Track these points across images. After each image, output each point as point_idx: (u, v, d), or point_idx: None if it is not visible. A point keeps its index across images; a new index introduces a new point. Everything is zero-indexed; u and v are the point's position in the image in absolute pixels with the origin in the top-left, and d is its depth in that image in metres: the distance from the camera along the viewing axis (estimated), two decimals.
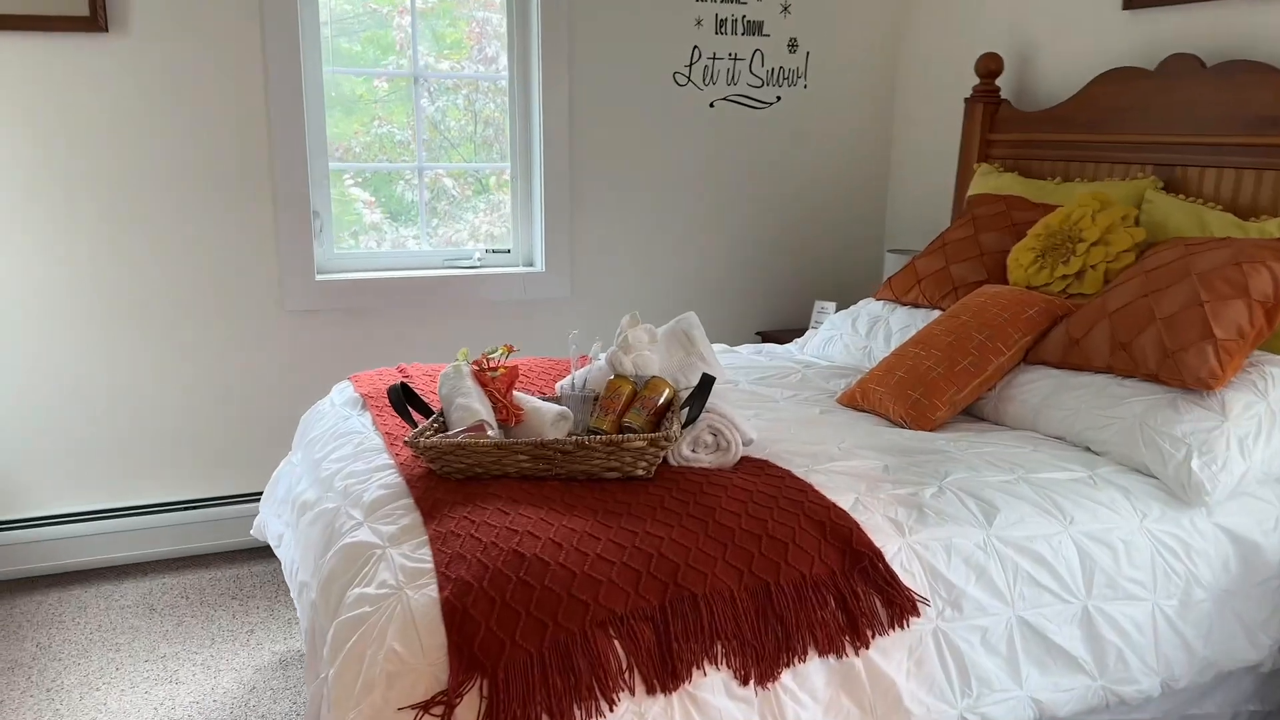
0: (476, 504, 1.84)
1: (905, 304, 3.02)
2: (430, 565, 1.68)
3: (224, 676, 2.76)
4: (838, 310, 4.03)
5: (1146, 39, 2.97)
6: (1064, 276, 2.58)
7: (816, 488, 1.94)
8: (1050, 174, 3.18)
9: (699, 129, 3.80)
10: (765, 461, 2.08)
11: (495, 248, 3.78)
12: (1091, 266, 2.53)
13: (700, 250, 3.92)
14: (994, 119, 3.40)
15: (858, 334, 3.02)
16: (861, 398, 2.53)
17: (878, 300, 3.13)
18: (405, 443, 1.94)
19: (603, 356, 2.30)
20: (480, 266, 3.71)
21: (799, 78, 3.90)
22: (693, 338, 2.31)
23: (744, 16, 3.76)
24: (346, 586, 1.76)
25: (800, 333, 3.94)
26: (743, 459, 2.11)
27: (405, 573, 1.68)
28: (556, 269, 3.73)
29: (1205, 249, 2.27)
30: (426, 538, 1.77)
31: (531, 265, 3.79)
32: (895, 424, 2.43)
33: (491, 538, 1.71)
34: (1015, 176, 3.19)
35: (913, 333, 2.85)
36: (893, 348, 2.87)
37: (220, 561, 3.43)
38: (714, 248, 3.94)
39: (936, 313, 2.89)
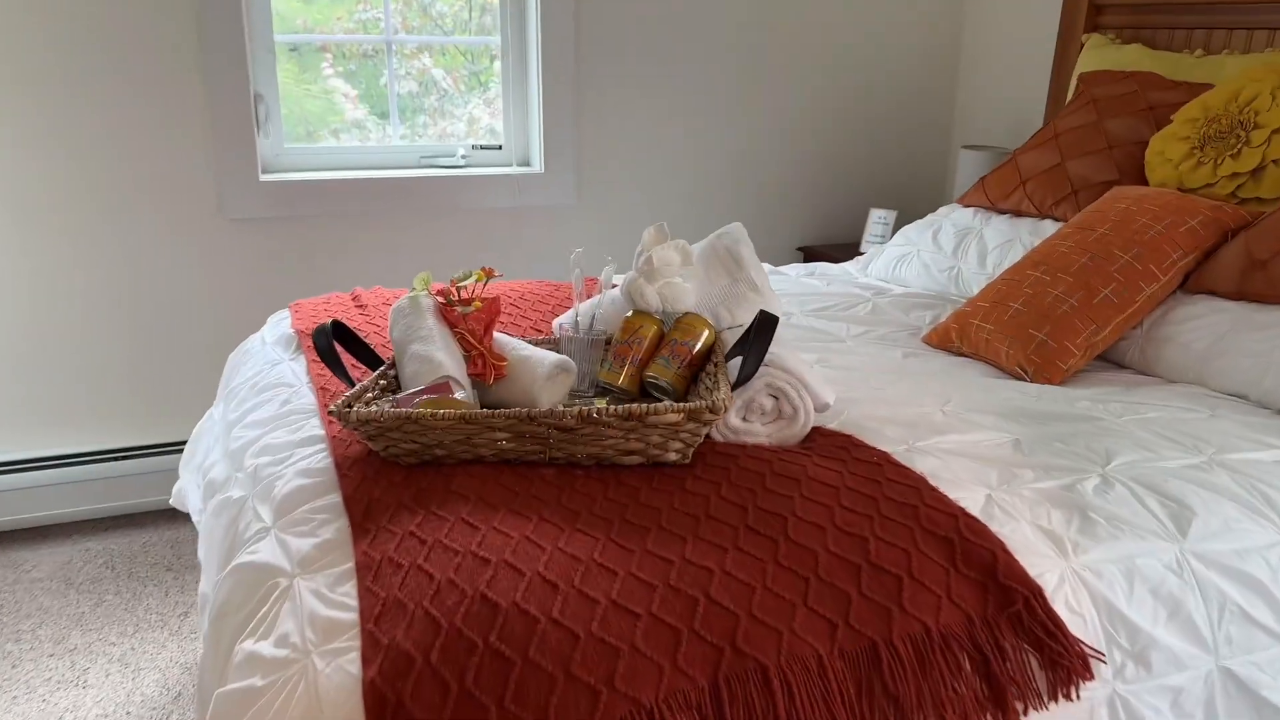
0: (432, 510, 1.24)
1: (1003, 211, 2.37)
2: (354, 615, 1.09)
3: (144, 678, 2.22)
4: (899, 221, 3.38)
5: None
6: (1234, 175, 1.92)
7: (929, 479, 1.33)
8: (1186, 46, 2.49)
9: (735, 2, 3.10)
10: (844, 435, 1.47)
11: (483, 143, 3.11)
12: (1275, 161, 1.87)
13: (732, 146, 3.25)
14: None
15: (940, 251, 2.38)
16: (959, 337, 1.91)
17: (965, 207, 2.48)
18: (331, 412, 1.33)
19: (618, 283, 1.68)
20: (465, 166, 3.05)
21: None
22: (740, 258, 1.68)
23: None
24: (237, 634, 1.18)
25: (851, 249, 3.29)
26: (813, 430, 1.50)
27: (316, 626, 1.09)
28: (558, 169, 3.07)
29: None
30: (353, 564, 1.17)
31: (528, 165, 3.13)
32: (1010, 374, 1.81)
33: (449, 571, 1.11)
34: (1141, 49, 2.49)
35: (1018, 250, 2.21)
36: (990, 269, 2.23)
37: (156, 521, 2.87)
38: (749, 143, 3.27)
39: (1048, 224, 2.24)
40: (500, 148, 3.12)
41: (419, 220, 2.98)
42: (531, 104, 3.06)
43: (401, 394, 1.44)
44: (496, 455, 1.36)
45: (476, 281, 1.60)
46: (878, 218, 3.27)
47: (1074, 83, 2.65)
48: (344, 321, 1.62)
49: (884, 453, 1.40)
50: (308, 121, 2.94)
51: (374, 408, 1.40)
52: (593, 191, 3.14)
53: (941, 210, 2.53)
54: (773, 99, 3.25)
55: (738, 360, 1.46)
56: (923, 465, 1.39)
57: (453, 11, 3.01)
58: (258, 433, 1.61)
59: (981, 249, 2.29)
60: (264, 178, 2.80)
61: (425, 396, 1.41)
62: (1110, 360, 1.89)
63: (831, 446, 1.43)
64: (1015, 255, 2.20)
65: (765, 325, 1.44)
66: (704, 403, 1.31)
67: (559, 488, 1.29)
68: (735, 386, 1.42)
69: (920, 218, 3.54)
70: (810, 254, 3.35)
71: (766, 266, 2.58)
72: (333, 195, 2.85)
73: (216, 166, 2.72)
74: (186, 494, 2.11)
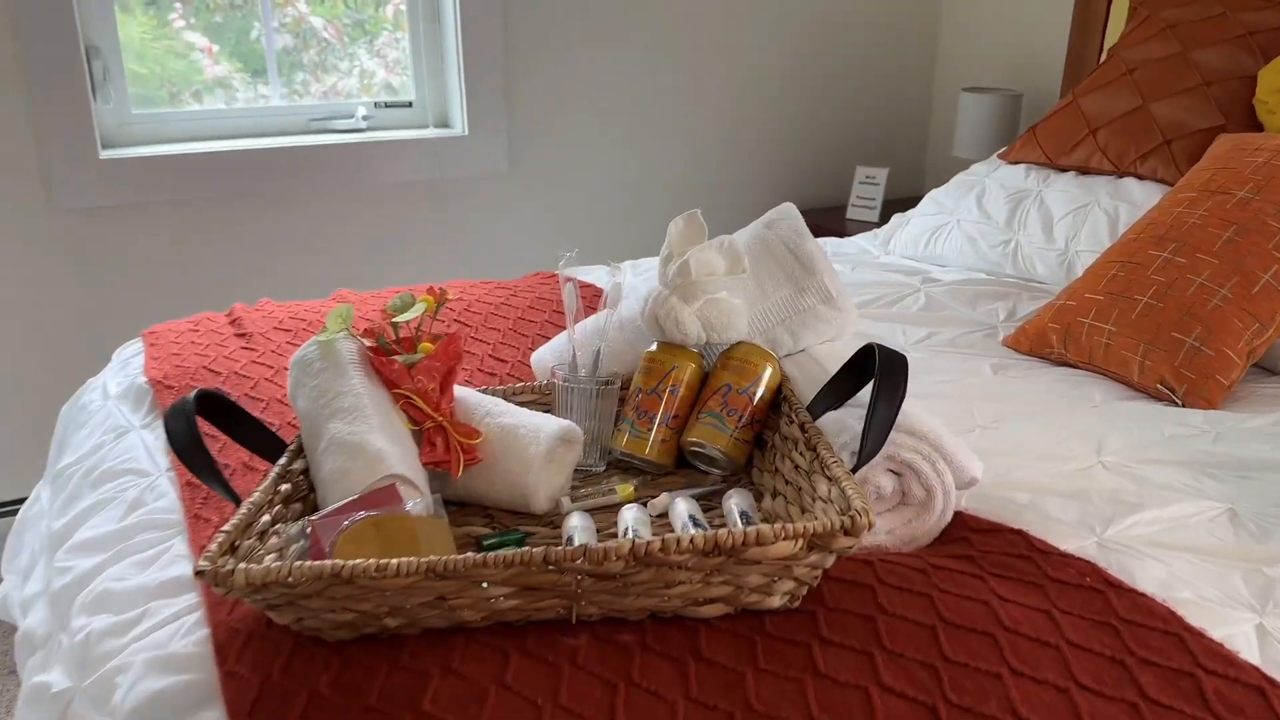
0: None
1: (1065, 168, 1.90)
2: None
3: None
4: (891, 180, 2.90)
5: None
6: None
7: (1177, 610, 0.85)
8: None
9: None
10: (999, 526, 0.98)
11: (389, 100, 2.50)
12: None
13: (696, 99, 2.71)
14: None
15: (989, 219, 1.90)
16: (1063, 340, 1.44)
17: (1011, 163, 2.00)
18: (199, 573, 0.77)
19: (634, 298, 1.16)
20: (366, 130, 2.44)
21: None
22: (807, 257, 1.16)
23: None
24: None
25: (837, 214, 2.81)
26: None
27: None
28: (485, 129, 2.48)
29: None
30: None
31: (446, 126, 2.53)
32: (1146, 392, 1.35)
33: None
34: None
35: (1099, 218, 1.74)
36: (1061, 243, 1.77)
37: None
38: (714, 96, 2.73)
39: (1131, 182, 1.78)
40: (410, 105, 2.51)
41: (312, 200, 2.36)
42: (448, 50, 2.45)
43: (319, 515, 0.88)
44: (489, 618, 0.82)
45: (424, 313, 1.04)
46: (866, 176, 2.78)
47: (1115, 12, 2.20)
48: (216, 389, 1.05)
49: (1087, 563, 0.91)
50: (170, 83, 2.28)
51: (270, 557, 0.84)
52: (530, 156, 2.57)
53: (977, 168, 2.05)
54: (738, 45, 2.71)
55: (860, 435, 0.94)
56: (1145, 577, 0.91)
57: None
58: (93, 562, 1.03)
59: (1045, 217, 1.82)
60: (105, 154, 2.15)
61: (359, 518, 0.86)
62: (1261, 366, 1.45)
63: (999, 554, 0.93)
64: (1096, 225, 1.74)
65: (891, 368, 0.92)
66: (832, 520, 0.79)
67: (604, 681, 0.76)
68: (855, 467, 0.91)
69: (910, 174, 3.07)
70: None
71: None
72: (197, 173, 2.21)
73: (40, 140, 2.06)
74: (8, 595, 1.50)
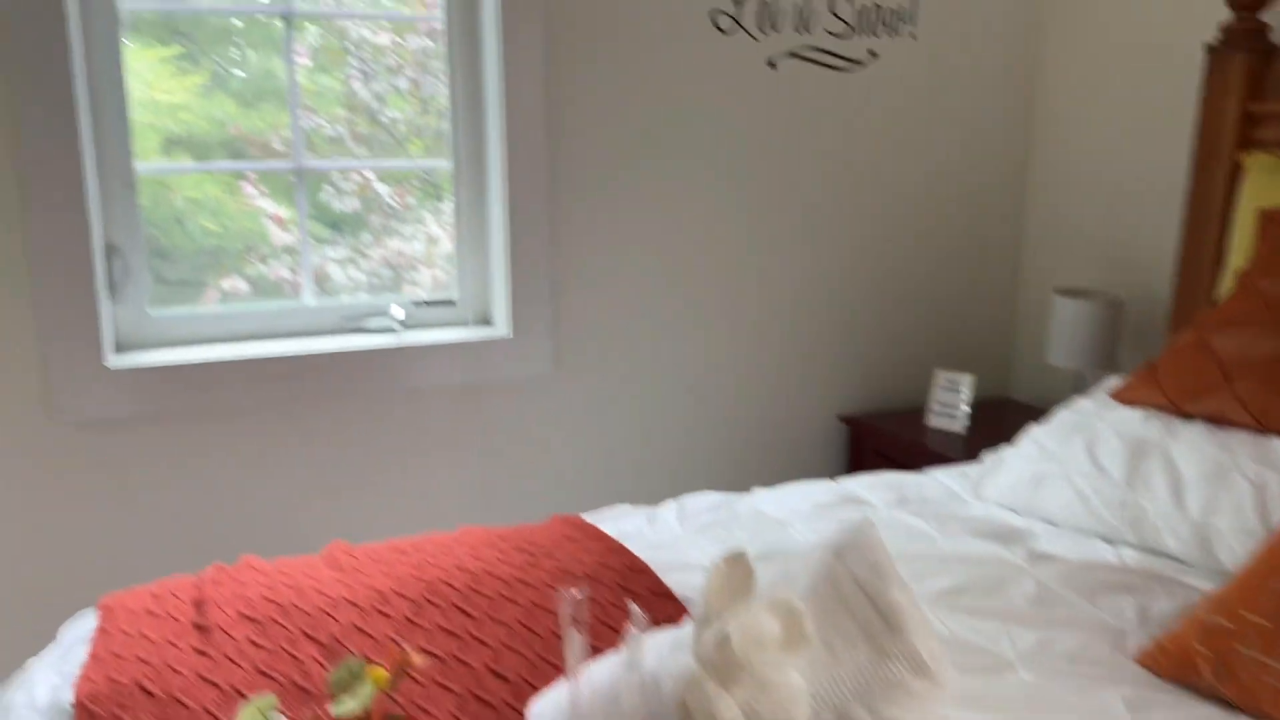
0: None
1: (1193, 416, 1.61)
2: None
3: None
4: (975, 384, 2.62)
5: None
6: None
7: None
8: None
9: (752, 100, 2.38)
10: None
11: (429, 298, 2.33)
12: None
13: (754, 290, 2.50)
14: (1264, 79, 2.01)
15: (1104, 474, 1.60)
16: (1216, 670, 1.12)
17: (1128, 405, 1.71)
18: None
19: (664, 644, 0.89)
20: (407, 327, 2.27)
21: (903, 22, 2.49)
22: (890, 608, 0.88)
23: None
24: None
25: (909, 418, 2.53)
26: None
27: None
28: (530, 331, 2.29)
29: None
30: None
31: (488, 324, 2.35)
32: None
33: None
34: None
35: (1240, 485, 1.43)
36: (1194, 512, 1.46)
37: None
38: (774, 286, 2.52)
39: (1277, 446, 1.47)
40: (453, 303, 2.34)
41: (339, 408, 2.17)
42: (493, 247, 2.29)
43: None
44: None
45: (372, 696, 0.78)
46: (947, 381, 2.51)
47: (1240, 219, 1.93)
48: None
49: None
50: (244, 242, 2.16)
51: None
52: (576, 358, 2.36)
53: (1085, 406, 1.77)
54: (804, 228, 2.51)
55: None
56: None
57: (406, 116, 2.27)
58: None
59: (1173, 478, 1.51)
60: (113, 360, 1.99)
61: None
62: None
63: None
64: (1239, 496, 1.43)
65: None
66: None
67: None
68: None
69: (994, 378, 2.79)
70: (857, 426, 2.57)
71: (825, 486, 1.80)
72: (211, 383, 2.04)
73: (43, 349, 1.91)
74: None
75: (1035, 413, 2.60)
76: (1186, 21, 2.24)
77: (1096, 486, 1.58)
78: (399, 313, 2.25)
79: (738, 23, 2.32)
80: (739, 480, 2.56)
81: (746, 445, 2.57)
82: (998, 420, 2.55)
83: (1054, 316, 2.38)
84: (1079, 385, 2.43)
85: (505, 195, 2.20)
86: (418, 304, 2.31)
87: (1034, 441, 1.74)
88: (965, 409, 2.46)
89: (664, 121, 2.31)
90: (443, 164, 2.28)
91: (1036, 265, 2.72)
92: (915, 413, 2.59)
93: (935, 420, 2.50)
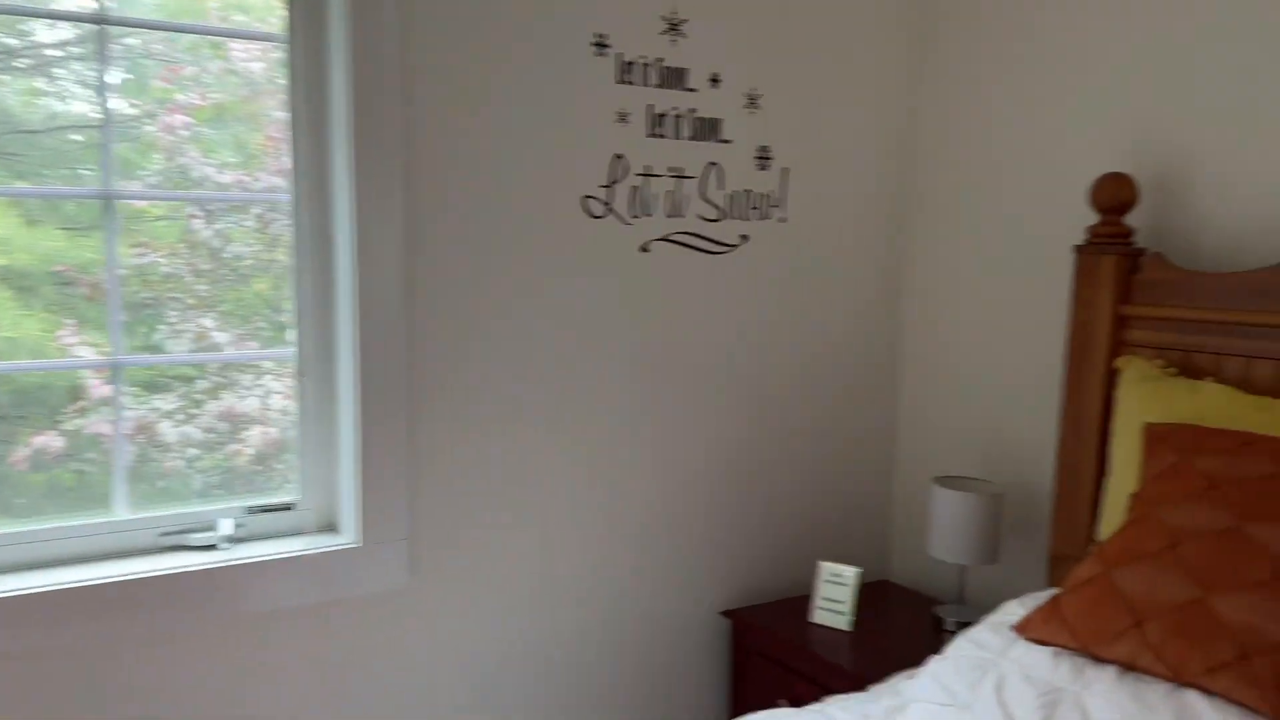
0: None
1: (1108, 660, 1.51)
2: None
3: None
4: (860, 575, 2.52)
5: None
6: None
7: None
8: (1278, 385, 1.80)
9: (624, 285, 2.27)
10: None
11: (262, 504, 2.06)
12: None
13: (629, 483, 2.33)
14: (1131, 282, 2.03)
15: None
16: None
17: (1034, 641, 1.60)
18: None
19: None
20: (235, 542, 1.98)
21: (774, 206, 2.45)
22: None
23: (692, 111, 2.29)
24: None
25: (799, 608, 2.39)
26: None
27: None
28: (382, 537, 2.04)
29: None
30: None
31: (333, 532, 2.09)
32: None
33: None
34: (1226, 390, 1.79)
35: None
36: None
37: None
38: (650, 478, 2.36)
39: (1194, 697, 1.39)
40: (291, 508, 2.08)
41: (163, 647, 1.86)
42: (342, 440, 2.06)
43: None
44: None
45: None
46: (832, 575, 2.39)
47: (1119, 424, 1.91)
48: None
49: None
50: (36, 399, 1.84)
51: None
52: (436, 567, 2.12)
53: (988, 639, 1.65)
54: (678, 426, 2.39)
55: None
56: None
57: (253, 251, 2.04)
58: None
59: None
60: None
61: None
62: None
63: None
64: None
65: None
66: None
67: None
68: None
69: (870, 562, 2.70)
70: (740, 621, 2.42)
71: None
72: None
73: None
74: None
75: (917, 599, 2.52)
76: (1056, 220, 2.28)
77: None
78: (228, 526, 1.97)
79: (609, 208, 2.22)
80: (619, 687, 2.35)
81: (626, 646, 2.37)
82: (882, 609, 2.46)
83: (933, 507, 2.32)
84: (960, 578, 2.35)
85: (356, 380, 1.98)
86: (252, 510, 2.04)
87: (937, 681, 1.61)
88: (851, 604, 2.34)
89: (533, 306, 2.16)
90: (285, 352, 2.05)
91: (913, 454, 2.68)
92: (801, 601, 2.46)
93: (819, 615, 2.37)
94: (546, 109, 2.11)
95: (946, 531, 2.30)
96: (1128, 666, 1.48)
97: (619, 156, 2.22)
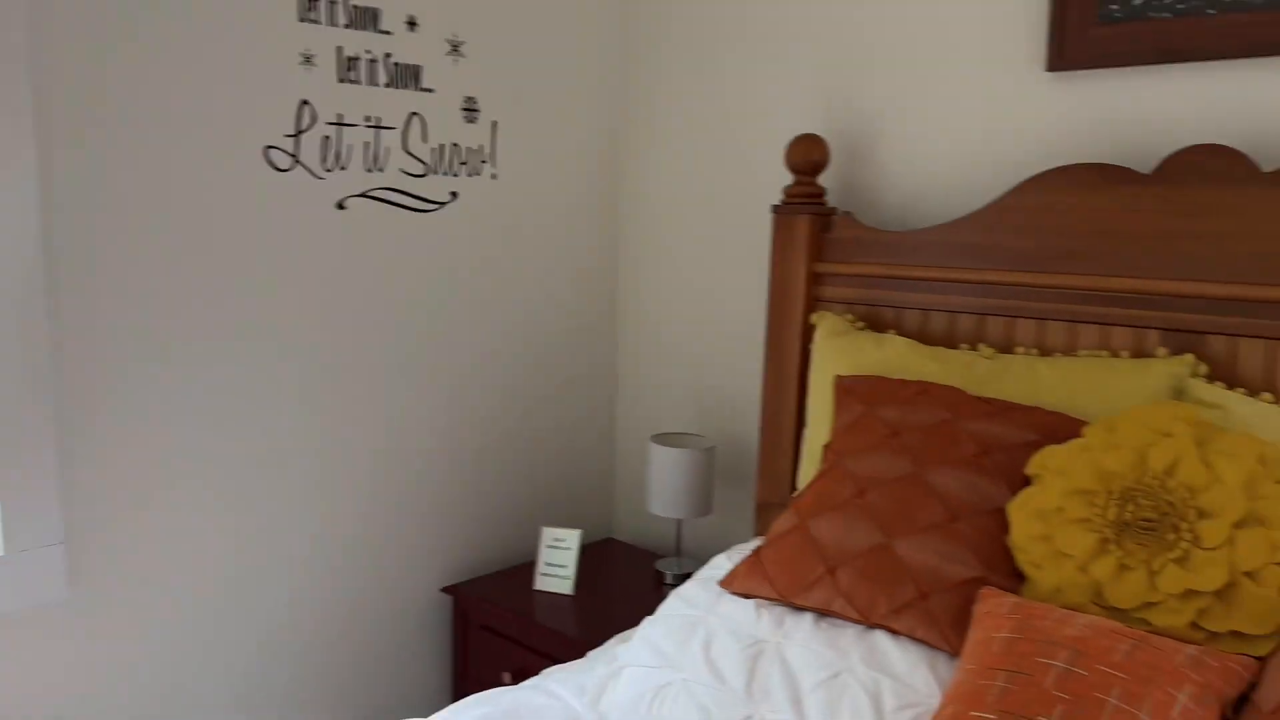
0: None
1: (807, 608, 1.56)
2: None
3: None
4: (581, 537, 2.50)
5: (1096, 121, 1.85)
6: (1189, 594, 1.27)
7: None
8: (954, 335, 1.94)
9: (318, 245, 2.08)
10: None
11: None
12: (1249, 574, 1.25)
13: (335, 458, 2.17)
14: (823, 241, 2.11)
15: (722, 682, 1.49)
16: None
17: (738, 595, 1.63)
18: None
19: None
20: None
21: (484, 162, 2.34)
22: None
23: (388, 56, 2.12)
24: None
25: (524, 578, 2.33)
26: None
27: None
28: (29, 543, 1.76)
29: None
30: None
31: None
32: None
33: None
34: (908, 343, 1.89)
35: (856, 695, 1.38)
36: (810, 715, 1.38)
37: None
38: (357, 452, 2.21)
39: (883, 638, 1.46)
40: None
41: None
42: None
43: None
44: None
45: None
46: (554, 540, 2.35)
47: (815, 377, 1.99)
48: None
49: None
50: None
51: None
52: (105, 574, 1.86)
53: (697, 595, 1.66)
54: (385, 395, 2.24)
55: None
56: None
57: None
58: None
59: (791, 685, 1.44)
60: None
61: None
62: None
63: None
64: (852, 703, 1.38)
65: None
66: None
67: None
68: None
69: (595, 523, 2.69)
70: (461, 596, 2.33)
71: None
72: None
73: None
74: None
75: (640, 555, 2.54)
76: (759, 181, 2.32)
77: (718, 698, 1.47)
78: None
79: (296, 160, 2.02)
80: (337, 676, 2.20)
81: (341, 633, 2.21)
82: (607, 569, 2.46)
83: (650, 464, 2.33)
84: (678, 531, 2.39)
85: None
86: None
87: (649, 643, 1.60)
88: (573, 568, 2.32)
89: (207, 274, 1.92)
90: None
91: (634, 413, 2.68)
92: (526, 569, 2.40)
93: (543, 582, 2.33)
94: (213, 46, 1.86)
95: (663, 487, 2.32)
96: (823, 613, 1.53)
97: (305, 103, 2.01)
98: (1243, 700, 1.17)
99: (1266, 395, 1.53)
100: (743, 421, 2.41)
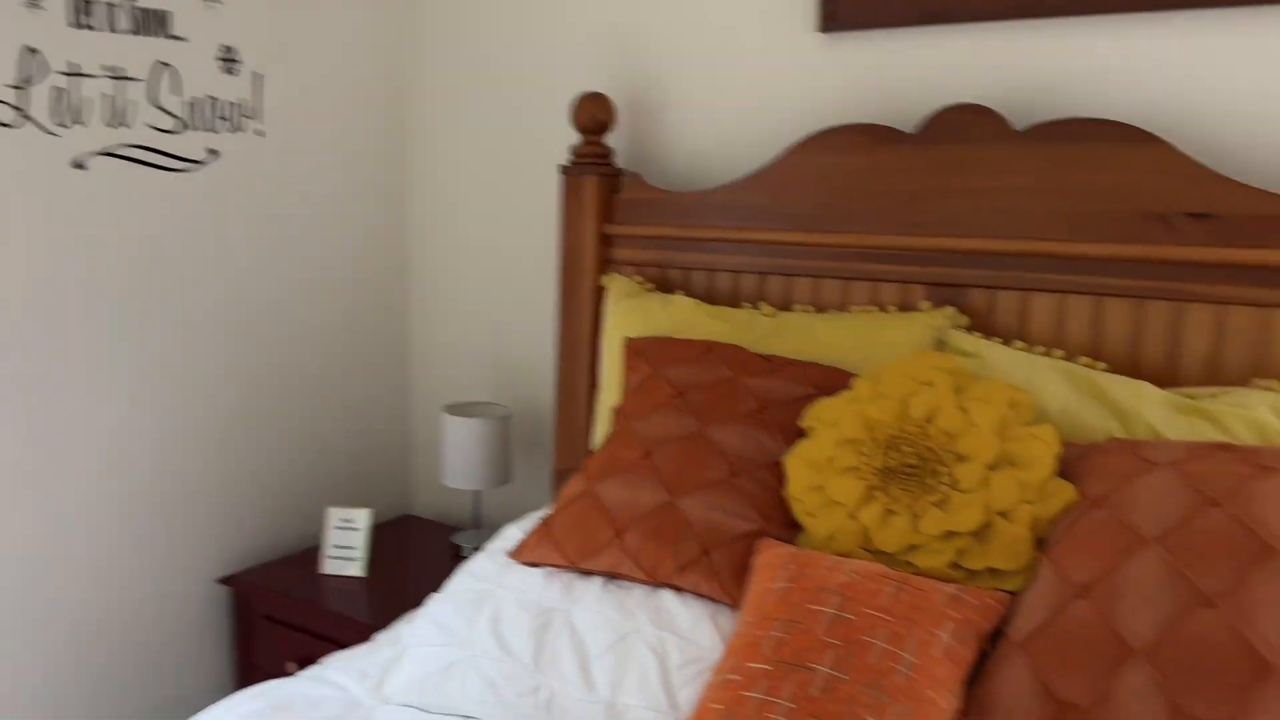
0: None
1: (592, 572, 1.53)
2: None
3: None
4: (375, 514, 2.40)
5: (867, 81, 1.89)
6: (949, 535, 1.32)
7: None
8: (737, 294, 1.95)
9: (53, 209, 1.87)
10: None
11: None
12: (1002, 513, 1.31)
13: (89, 446, 1.97)
14: (613, 202, 2.08)
15: (510, 655, 1.44)
16: None
17: (528, 564, 1.59)
18: None
19: None
20: None
21: (247, 117, 2.17)
22: None
23: (130, 0, 1.93)
24: None
25: (311, 563, 2.20)
26: None
27: None
28: None
29: (1238, 473, 1.18)
30: None
31: None
32: None
33: None
34: (694, 303, 1.89)
35: (643, 655, 1.37)
36: (607, 691, 1.36)
37: None
38: (119, 445, 2.01)
39: (669, 596, 1.45)
40: None
41: None
42: None
43: None
44: None
45: None
46: (342, 520, 2.24)
47: (607, 344, 1.96)
48: None
49: None
50: None
51: None
52: None
53: (485, 569, 1.61)
54: (147, 377, 2.05)
55: None
56: None
57: None
58: None
59: (580, 651, 1.41)
60: None
61: None
62: None
63: None
64: (638, 663, 1.37)
65: None
66: None
67: None
68: None
69: (391, 501, 2.59)
70: (241, 586, 2.18)
71: None
72: None
73: None
74: None
75: (438, 530, 2.46)
76: (547, 141, 2.26)
77: (506, 672, 1.43)
78: None
79: (24, 114, 1.80)
80: (110, 677, 2.02)
81: (113, 633, 2.03)
82: (402, 547, 2.37)
83: (444, 435, 2.25)
84: (476, 503, 2.33)
85: None
86: None
87: (434, 622, 1.53)
88: (363, 549, 2.21)
89: None
90: None
91: (428, 383, 2.58)
92: (313, 554, 2.28)
93: (331, 565, 2.22)
94: None
95: (459, 458, 2.25)
96: (612, 576, 1.51)
97: (32, 50, 1.79)
98: (999, 634, 1.23)
99: (1019, 343, 1.61)
100: (540, 387, 2.36)
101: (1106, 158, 1.55)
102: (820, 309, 1.84)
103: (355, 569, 2.21)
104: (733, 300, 1.94)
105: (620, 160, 2.15)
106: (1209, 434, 1.35)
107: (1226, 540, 1.11)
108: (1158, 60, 1.61)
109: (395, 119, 2.47)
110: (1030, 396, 1.41)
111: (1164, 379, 1.50)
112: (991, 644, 1.23)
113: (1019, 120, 1.66)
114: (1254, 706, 1.01)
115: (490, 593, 1.54)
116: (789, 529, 1.48)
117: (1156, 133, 1.53)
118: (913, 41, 1.83)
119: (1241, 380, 1.45)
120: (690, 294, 1.98)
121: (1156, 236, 1.52)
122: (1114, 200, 1.55)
